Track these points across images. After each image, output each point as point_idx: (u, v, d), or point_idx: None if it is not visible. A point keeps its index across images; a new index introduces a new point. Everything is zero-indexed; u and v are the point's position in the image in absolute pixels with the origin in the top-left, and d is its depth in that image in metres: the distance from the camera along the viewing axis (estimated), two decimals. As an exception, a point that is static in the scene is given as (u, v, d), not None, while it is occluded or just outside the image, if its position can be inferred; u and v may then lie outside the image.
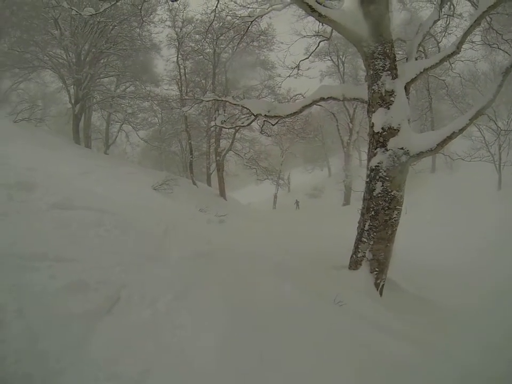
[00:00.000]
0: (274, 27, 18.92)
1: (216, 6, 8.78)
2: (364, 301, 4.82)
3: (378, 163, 5.37)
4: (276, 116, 6.32)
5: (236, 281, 3.62)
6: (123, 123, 20.77)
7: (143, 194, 8.81)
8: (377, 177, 5.36)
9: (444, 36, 11.33)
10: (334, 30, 7.39)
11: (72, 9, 11.88)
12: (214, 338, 2.63)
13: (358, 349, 3.06)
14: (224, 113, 17.46)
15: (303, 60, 9.89)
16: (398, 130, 5.37)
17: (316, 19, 5.88)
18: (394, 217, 5.43)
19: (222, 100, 8.29)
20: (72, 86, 16.25)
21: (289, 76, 10.50)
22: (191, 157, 19.43)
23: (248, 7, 10.34)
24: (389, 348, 3.25)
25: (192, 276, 3.48)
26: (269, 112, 6.19)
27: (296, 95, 17.81)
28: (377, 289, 5.53)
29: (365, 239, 5.49)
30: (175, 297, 2.99)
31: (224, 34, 18.40)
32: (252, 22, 9.26)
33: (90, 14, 6.59)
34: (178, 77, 19.22)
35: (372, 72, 5.55)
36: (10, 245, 3.40)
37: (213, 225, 8.88)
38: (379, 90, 5.45)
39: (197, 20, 18.45)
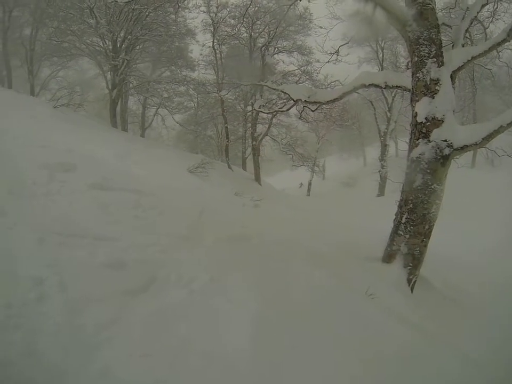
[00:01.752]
0: (312, 11, 18.49)
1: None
2: (395, 296, 4.70)
3: (419, 154, 5.14)
4: (316, 102, 6.15)
5: (270, 266, 3.61)
6: (159, 107, 21.01)
7: (178, 176, 8.95)
8: (418, 169, 5.13)
9: (491, 21, 10.61)
10: (375, 14, 7.08)
11: (108, -3, 12.16)
12: (248, 323, 2.64)
13: (386, 345, 2.99)
14: (261, 98, 17.34)
15: (342, 45, 9.55)
16: (442, 121, 5.10)
17: (358, 0, 5.63)
18: (433, 212, 5.21)
19: (261, 85, 8.16)
20: (109, 72, 16.59)
21: (328, 62, 10.19)
22: (227, 141, 19.47)
23: (286, -10, 10.11)
24: (418, 348, 3.15)
25: (227, 258, 3.51)
26: (309, 97, 6.03)
27: (334, 81, 17.41)
28: (409, 285, 5.36)
29: (401, 232, 5.31)
30: (210, 279, 3.03)
31: (260, 19, 18.16)
32: (290, 6, 9.01)
33: (126, 1, 6.62)
34: (215, 62, 19.19)
35: (416, 58, 5.28)
36: (52, 222, 3.55)
37: (248, 209, 8.89)
38: (424, 78, 5.18)
39: (231, 5, 18.29)
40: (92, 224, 3.53)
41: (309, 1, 9.09)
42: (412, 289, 5.36)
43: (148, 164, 8.53)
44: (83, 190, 4.49)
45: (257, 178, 19.33)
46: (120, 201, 4.28)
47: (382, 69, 23.12)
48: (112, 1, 13.08)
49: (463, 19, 6.47)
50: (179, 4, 14.79)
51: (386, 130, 23.25)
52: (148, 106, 22.46)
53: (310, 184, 28.75)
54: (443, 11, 11.63)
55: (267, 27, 18.19)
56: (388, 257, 5.45)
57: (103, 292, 2.62)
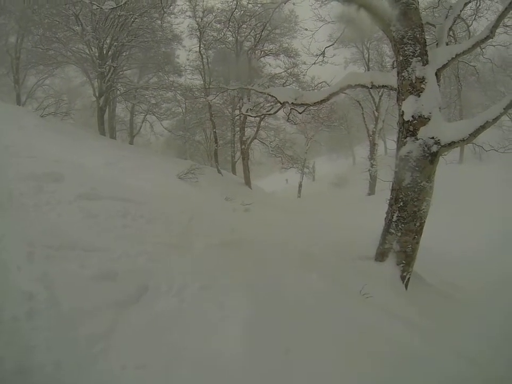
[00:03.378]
0: (297, 14, 18.59)
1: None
2: (389, 294, 4.71)
3: (408, 152, 5.19)
4: (303, 104, 6.18)
5: (261, 271, 3.61)
6: (147, 114, 20.92)
7: (168, 183, 8.90)
8: (407, 167, 5.18)
9: (474, 19, 10.77)
10: (359, 15, 7.15)
11: (93, 3, 12.10)
12: (240, 328, 2.62)
13: (382, 345, 2.98)
14: (249, 101, 17.35)
15: (328, 47, 9.64)
16: (429, 119, 5.15)
17: (342, 2, 5.69)
18: (423, 209, 5.26)
19: (248, 88, 8.16)
20: (96, 80, 16.46)
21: (314, 63, 10.25)
22: (216, 146, 19.44)
23: (271, -7, 10.15)
24: (412, 345, 3.16)
25: (218, 265, 3.49)
26: (295, 100, 6.06)
27: (321, 82, 17.49)
28: (403, 282, 5.40)
29: (392, 230, 5.35)
30: (201, 286, 3.01)
31: (246, 23, 18.20)
32: (275, 9, 9.05)
33: (112, 7, 6.62)
34: (201, 67, 19.18)
35: (401, 58, 5.34)
36: (41, 234, 3.49)
37: (239, 213, 8.88)
38: (409, 77, 5.24)
39: (217, 9, 18.33)
40: (81, 235, 3.48)
41: (293, 4, 9.14)
42: (406, 286, 5.40)
43: (137, 172, 8.49)
44: (71, 200, 4.44)
45: (247, 182, 19.33)
46: (108, 210, 4.25)
47: (368, 69, 23.33)
48: (98, 8, 13.02)
49: (446, 18, 6.55)
50: (164, 10, 14.74)
51: (374, 130, 23.40)
52: (136, 113, 22.34)
53: (300, 185, 28.80)
54: (426, 10, 11.79)
55: (253, 30, 18.25)
56: (381, 256, 5.48)
57: (95, 304, 2.58)
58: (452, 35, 9.97)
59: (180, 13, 17.54)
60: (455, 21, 6.80)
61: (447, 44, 6.44)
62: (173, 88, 18.58)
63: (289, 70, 19.36)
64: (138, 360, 2.25)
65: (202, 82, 19.42)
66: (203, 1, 17.95)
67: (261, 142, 21.15)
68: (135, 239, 3.71)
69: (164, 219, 4.66)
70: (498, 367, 3.36)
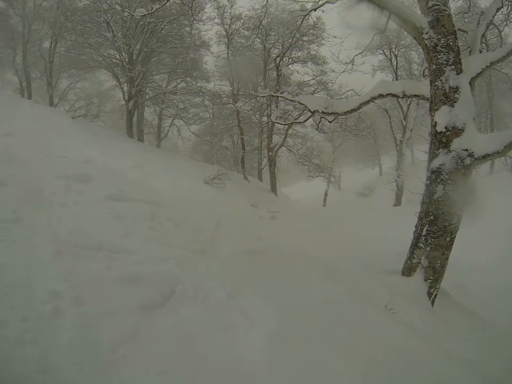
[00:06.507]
0: (324, 21, 18.51)
1: (267, 1, 8.65)
2: (415, 311, 4.55)
3: (440, 165, 5.01)
4: (333, 113, 6.10)
5: (287, 281, 3.54)
6: (175, 118, 21.28)
7: (194, 187, 8.93)
8: (439, 180, 5.00)
9: (506, 24, 10.36)
10: (389, 22, 7.01)
11: (125, 11, 12.46)
12: (265, 338, 2.57)
13: (409, 366, 2.85)
14: (277, 108, 17.35)
15: (357, 55, 9.51)
16: (463, 130, 4.96)
17: (373, 10, 5.59)
18: (454, 223, 5.05)
19: (278, 96, 8.12)
20: (126, 84, 16.93)
21: (343, 71, 10.14)
22: (243, 152, 19.52)
23: (298, 1, 10.12)
24: (442, 369, 3.01)
25: (244, 273, 3.44)
26: (326, 108, 5.97)
27: (349, 90, 17.31)
28: (430, 299, 5.20)
29: (421, 245, 5.16)
30: (228, 294, 2.98)
31: (273, 30, 18.27)
32: (304, 16, 9.00)
33: (142, 14, 6.76)
34: (229, 73, 19.34)
35: (434, 66, 5.18)
36: (69, 233, 3.56)
37: (265, 221, 8.80)
38: (443, 86, 5.07)
39: (245, 16, 18.51)
40: (108, 236, 3.52)
41: (323, 11, 9.09)
42: (432, 303, 5.20)
43: (164, 175, 8.57)
44: (100, 201, 4.51)
45: (273, 189, 19.26)
46: (136, 212, 4.28)
47: (396, 77, 22.93)
48: (128, 15, 13.41)
49: (478, 24, 6.34)
50: (194, 17, 15.03)
51: (402, 139, 22.94)
52: (164, 117, 22.75)
53: (326, 194, 28.52)
54: (457, 16, 11.48)
55: (281, 37, 18.28)
56: (408, 270, 5.29)
57: (120, 307, 2.58)
58: (484, 41, 9.66)
59: (208, 20, 17.85)
60: (487, 27, 6.58)
61: (480, 51, 6.23)
62: (201, 93, 18.80)
63: (317, 78, 19.27)
64: (161, 367, 2.23)
65: (230, 88, 19.57)
66: (231, 9, 18.20)
67: (288, 149, 21.07)
68: (161, 243, 3.72)
69: (190, 224, 4.65)
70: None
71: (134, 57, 16.17)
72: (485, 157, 5.06)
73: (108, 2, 14.48)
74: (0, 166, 4.80)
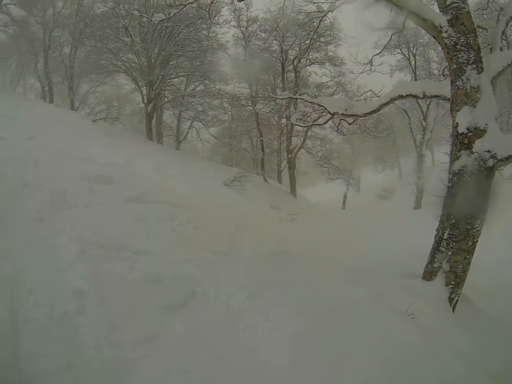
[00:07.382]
0: (340, 21, 18.41)
1: (284, 3, 8.63)
2: (436, 316, 4.45)
3: (462, 167, 4.89)
4: (353, 115, 6.06)
5: (308, 284, 3.53)
6: (194, 120, 21.40)
7: (214, 189, 8.98)
8: (461, 182, 4.87)
9: (526, 20, 10.05)
10: (406, 21, 6.91)
11: (144, 16, 12.69)
12: (287, 341, 2.57)
13: (433, 373, 2.81)
14: (295, 110, 17.31)
15: (376, 55, 9.39)
16: (485, 131, 4.83)
17: (391, 9, 5.52)
18: (477, 227, 4.91)
19: (297, 98, 8.10)
20: (145, 87, 17.25)
21: (362, 72, 10.05)
22: (263, 154, 19.54)
23: (315, 2, 10.08)
24: (463, 375, 2.95)
25: (265, 275, 3.45)
26: (346, 110, 5.93)
27: (367, 91, 17.14)
28: (451, 305, 5.08)
29: (442, 249, 5.04)
30: (249, 296, 3.00)
31: (290, 31, 18.26)
32: (322, 17, 8.96)
33: (161, 19, 6.86)
34: (247, 75, 19.40)
35: (455, 66, 5.06)
36: (92, 234, 3.64)
37: (285, 223, 8.78)
38: (464, 86, 4.95)
39: (261, 19, 18.56)
40: (131, 238, 3.59)
41: (340, 12, 9.05)
42: (453, 309, 5.08)
43: (184, 177, 8.65)
44: (122, 202, 4.59)
45: (293, 191, 19.21)
46: (157, 214, 4.34)
47: (415, 77, 22.52)
48: (147, 20, 13.65)
49: (498, 21, 6.17)
50: (211, 21, 15.18)
51: (422, 140, 22.51)
52: (183, 119, 22.95)
53: (345, 197, 28.26)
54: (475, 12, 11.20)
55: (298, 39, 18.25)
56: (429, 275, 5.19)
57: (142, 307, 2.64)
58: (505, 38, 9.40)
59: (224, 22, 17.96)
60: (507, 24, 6.38)
61: (501, 49, 6.07)
62: (219, 96, 18.95)
63: (335, 79, 19.15)
64: (182, 366, 2.26)
65: (249, 90, 19.64)
66: (247, 11, 18.28)
67: (308, 151, 20.98)
68: (183, 245, 3.77)
69: (211, 226, 4.69)
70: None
71: (153, 61, 16.44)
72: (508, 158, 4.91)
73: (125, 8, 14.81)
74: (24, 168, 4.96)
